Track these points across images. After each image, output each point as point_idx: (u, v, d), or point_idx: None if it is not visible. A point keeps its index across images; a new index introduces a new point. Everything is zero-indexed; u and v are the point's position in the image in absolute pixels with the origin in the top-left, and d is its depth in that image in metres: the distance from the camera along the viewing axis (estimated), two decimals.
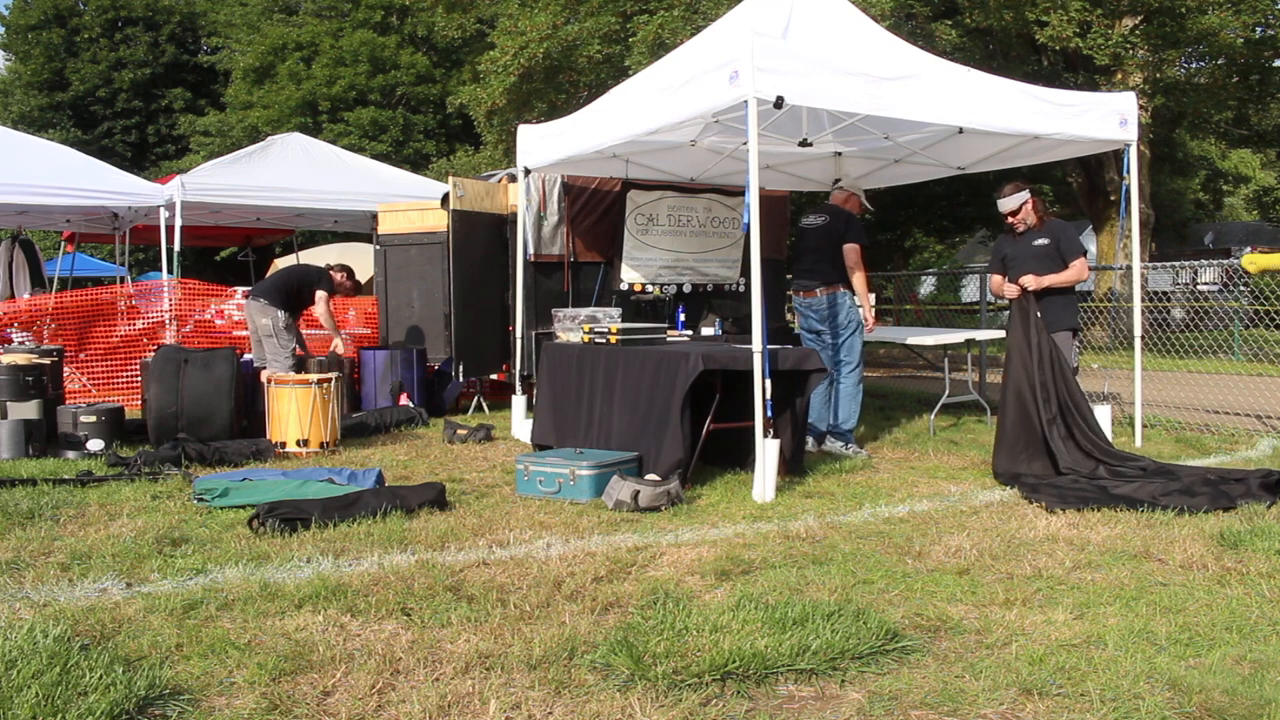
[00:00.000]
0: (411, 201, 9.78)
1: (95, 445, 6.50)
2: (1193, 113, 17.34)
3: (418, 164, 24.17)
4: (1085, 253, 6.18)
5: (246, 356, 8.00)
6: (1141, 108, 8.57)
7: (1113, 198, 16.38)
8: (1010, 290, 6.04)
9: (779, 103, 5.22)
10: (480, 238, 8.56)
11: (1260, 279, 9.50)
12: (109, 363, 9.36)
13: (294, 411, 6.61)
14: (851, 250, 6.61)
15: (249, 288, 9.35)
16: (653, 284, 8.94)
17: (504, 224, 8.69)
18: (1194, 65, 16.41)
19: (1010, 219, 6.29)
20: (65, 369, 8.03)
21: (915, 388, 10.44)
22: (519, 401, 7.64)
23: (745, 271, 9.29)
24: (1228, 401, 8.37)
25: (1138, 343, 6.97)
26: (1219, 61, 15.00)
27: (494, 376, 9.09)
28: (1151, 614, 3.30)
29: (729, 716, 2.58)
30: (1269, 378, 9.74)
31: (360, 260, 15.18)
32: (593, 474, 5.15)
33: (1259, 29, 14.34)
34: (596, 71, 15.06)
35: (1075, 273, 6.05)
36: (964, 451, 6.68)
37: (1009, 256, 6.26)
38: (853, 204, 7.02)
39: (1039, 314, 5.86)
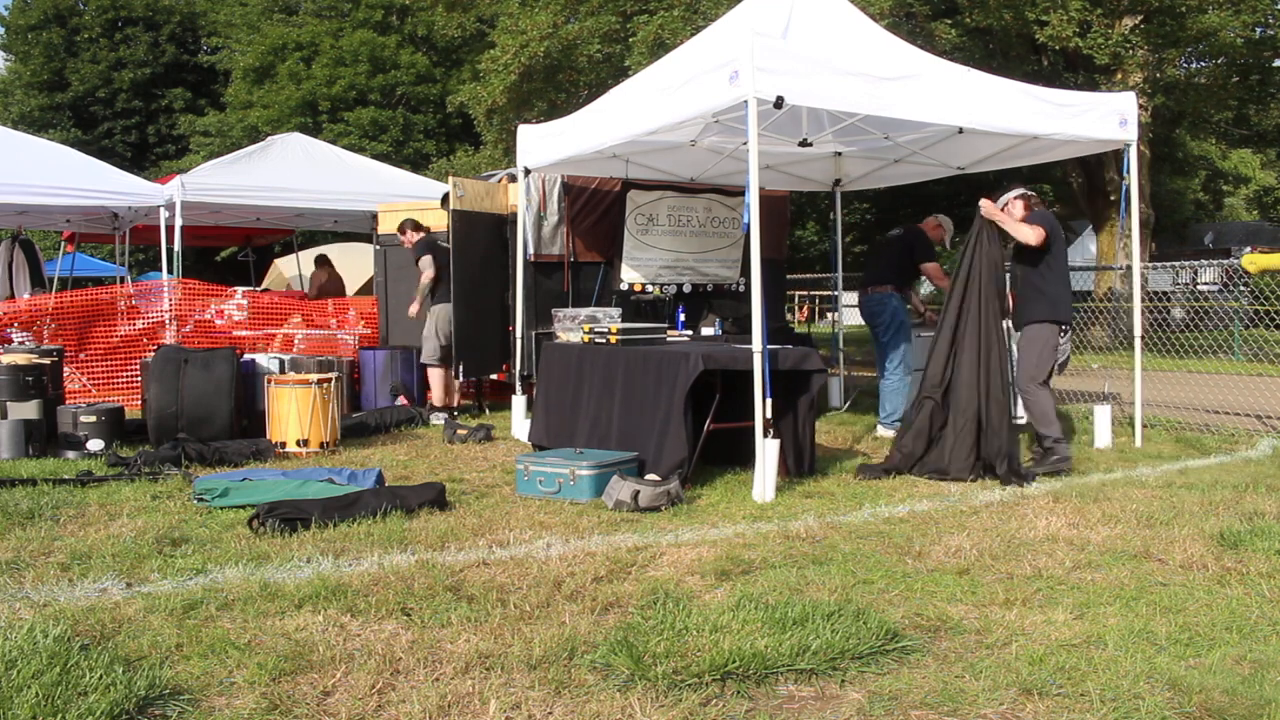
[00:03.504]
0: (411, 201, 9.78)
1: (95, 445, 6.50)
2: (1192, 113, 17.33)
3: (418, 164, 24.16)
4: (1038, 227, 5.98)
5: (247, 356, 8.00)
6: (1141, 107, 8.58)
7: (1113, 198, 16.38)
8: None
9: (779, 103, 5.22)
10: (480, 238, 8.56)
11: (1260, 279, 9.50)
12: (109, 363, 9.35)
13: (294, 411, 6.61)
14: (932, 268, 7.49)
15: (250, 288, 9.34)
16: (653, 284, 8.94)
17: (504, 224, 8.69)
18: (1194, 65, 16.42)
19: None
20: (65, 369, 8.02)
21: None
22: (519, 401, 7.64)
23: (745, 271, 9.29)
24: (1228, 401, 8.36)
25: (1138, 343, 6.98)
26: (1219, 61, 15.00)
27: (494, 376, 9.09)
28: (1151, 614, 3.31)
29: (729, 716, 2.58)
30: (1269, 378, 9.73)
31: (360, 260, 15.23)
32: (593, 474, 5.15)
33: (1259, 29, 14.34)
34: (596, 71, 15.07)
35: (1021, 233, 5.92)
36: None
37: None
38: (936, 233, 7.66)
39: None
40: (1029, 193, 6.31)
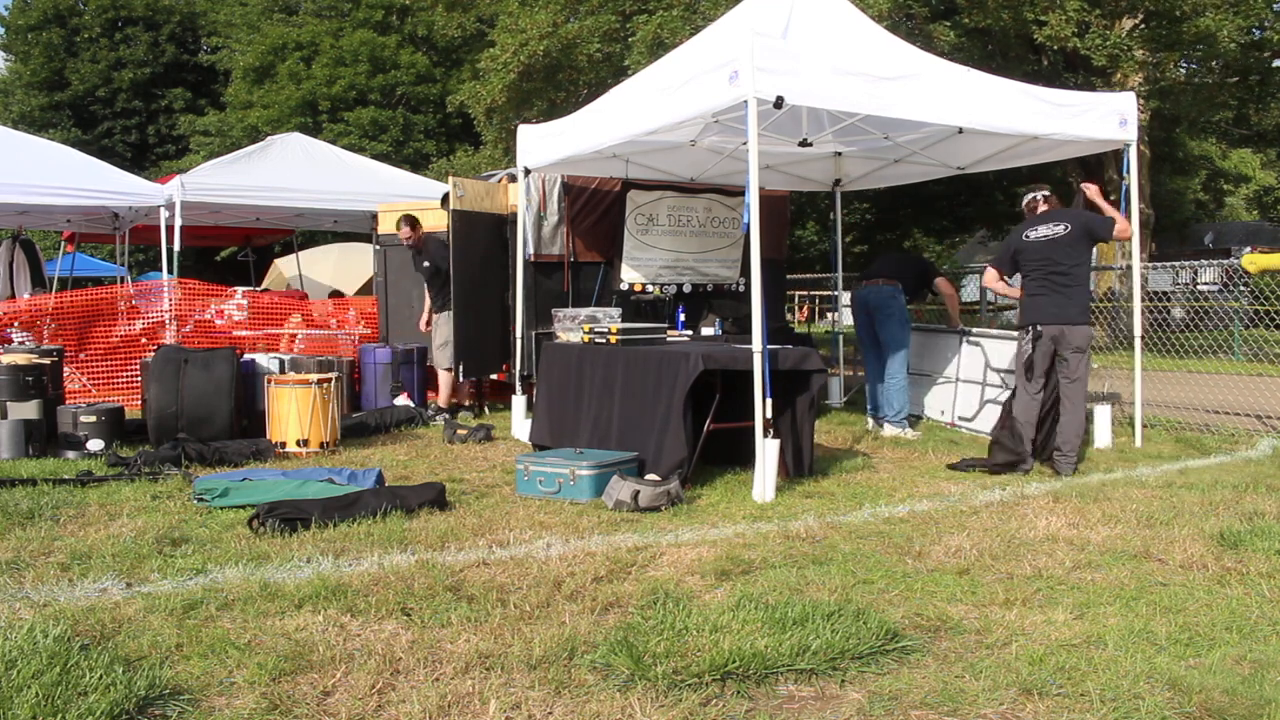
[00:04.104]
0: (411, 201, 9.77)
1: (95, 445, 6.50)
2: (1190, 115, 17.30)
3: (418, 164, 24.16)
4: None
5: (247, 356, 8.00)
6: (1140, 109, 8.58)
7: (1112, 198, 16.35)
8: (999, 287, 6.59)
9: (779, 103, 5.22)
10: (480, 238, 8.56)
11: (1260, 279, 9.50)
12: (109, 363, 9.35)
13: (294, 411, 6.61)
14: (943, 282, 7.91)
15: (250, 287, 9.32)
16: (653, 284, 8.93)
17: (504, 224, 8.69)
18: (1192, 67, 16.40)
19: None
20: (65, 369, 8.02)
21: None
22: (519, 401, 7.64)
23: (745, 271, 9.29)
24: (1228, 401, 8.36)
25: (1138, 343, 6.98)
26: (1215, 63, 14.97)
27: (494, 376, 9.09)
28: (1151, 614, 3.31)
29: (729, 716, 2.58)
30: (1269, 378, 9.73)
31: (360, 260, 15.21)
32: (593, 474, 5.15)
33: (1256, 31, 14.31)
34: (596, 70, 15.06)
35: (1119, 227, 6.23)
36: (964, 451, 6.67)
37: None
38: (950, 297, 8.04)
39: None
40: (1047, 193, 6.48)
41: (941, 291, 7.89)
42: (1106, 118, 6.65)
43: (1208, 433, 7.36)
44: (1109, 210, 6.37)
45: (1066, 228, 6.02)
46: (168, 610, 3.31)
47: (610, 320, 6.79)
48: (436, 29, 19.92)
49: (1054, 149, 7.17)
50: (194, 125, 28.48)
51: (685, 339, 7.16)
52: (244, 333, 9.86)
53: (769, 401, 5.21)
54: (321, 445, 6.66)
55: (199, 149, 26.84)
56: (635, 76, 7.51)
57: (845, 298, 10.20)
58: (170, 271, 10.03)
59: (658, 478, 5.15)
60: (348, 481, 5.17)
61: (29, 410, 6.67)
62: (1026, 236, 6.16)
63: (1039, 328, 6.02)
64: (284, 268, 17.07)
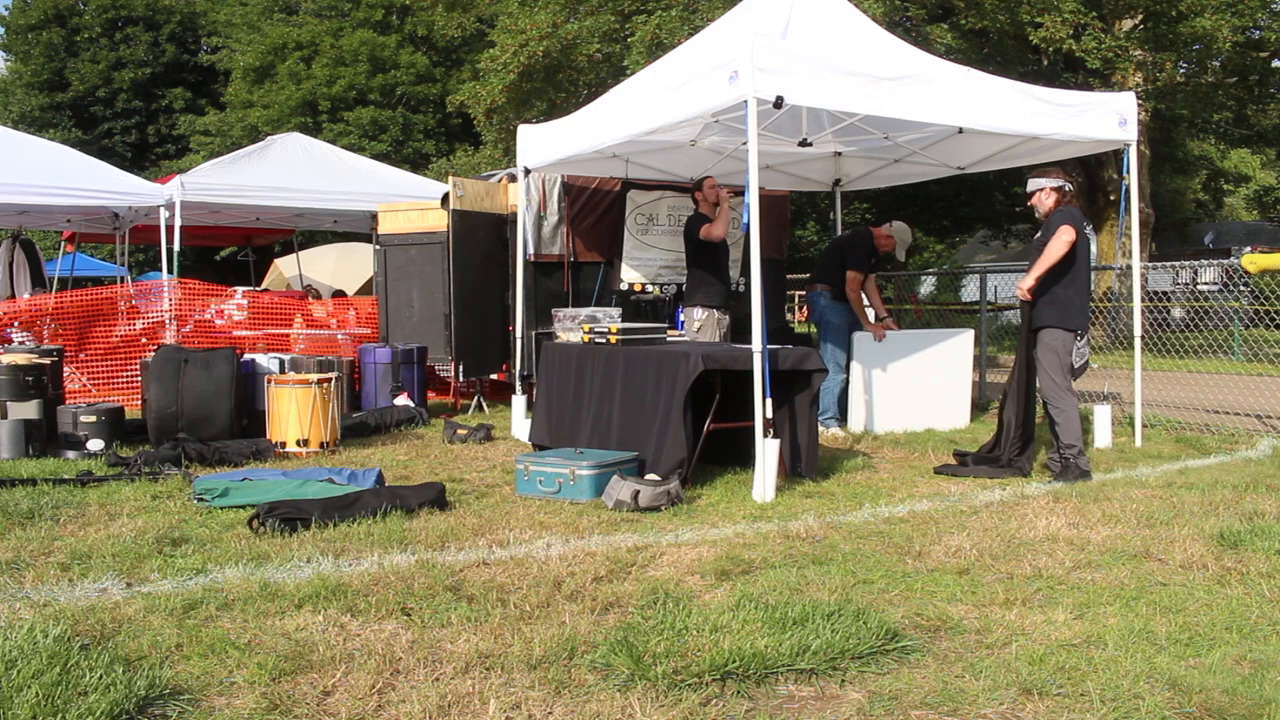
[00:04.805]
0: (411, 201, 9.77)
1: (95, 445, 6.50)
2: (1189, 116, 17.31)
3: (418, 164, 24.18)
4: (1074, 228, 5.60)
5: (247, 356, 8.00)
6: (1140, 108, 8.59)
7: (1113, 197, 16.37)
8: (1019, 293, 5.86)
9: (779, 103, 5.23)
10: (480, 238, 8.56)
11: (1260, 279, 9.50)
12: (109, 363, 9.36)
13: (294, 411, 6.61)
14: (850, 276, 7.46)
15: (250, 287, 9.31)
16: (653, 284, 8.93)
17: (504, 224, 8.70)
18: (1191, 67, 16.41)
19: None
20: (65, 369, 8.02)
21: None
22: (519, 401, 7.64)
23: (745, 271, 9.29)
24: (1228, 401, 8.37)
25: (1137, 343, 6.98)
26: (1214, 63, 14.97)
27: (494, 376, 9.08)
28: (1151, 614, 3.31)
29: (729, 716, 2.58)
30: (1269, 378, 9.73)
31: (360, 260, 15.22)
32: (593, 474, 5.15)
33: (1256, 31, 14.31)
34: (596, 70, 15.09)
35: (1048, 254, 5.55)
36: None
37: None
38: (887, 243, 7.63)
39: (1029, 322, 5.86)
40: (1065, 186, 5.85)
41: (847, 283, 7.44)
42: (1106, 118, 6.65)
43: (1208, 433, 7.36)
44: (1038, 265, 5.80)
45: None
46: (168, 610, 3.30)
47: (610, 320, 6.79)
48: (436, 29, 19.95)
49: (1054, 149, 7.17)
50: (194, 125, 28.52)
51: (685, 339, 7.16)
52: (244, 333, 9.86)
53: (769, 401, 5.21)
54: (321, 445, 6.66)
55: (199, 149, 26.89)
56: (635, 76, 7.52)
57: None
58: (170, 271, 10.03)
59: (658, 478, 5.15)
60: (348, 481, 5.17)
61: (29, 410, 6.67)
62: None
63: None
64: (284, 268, 17.09)
